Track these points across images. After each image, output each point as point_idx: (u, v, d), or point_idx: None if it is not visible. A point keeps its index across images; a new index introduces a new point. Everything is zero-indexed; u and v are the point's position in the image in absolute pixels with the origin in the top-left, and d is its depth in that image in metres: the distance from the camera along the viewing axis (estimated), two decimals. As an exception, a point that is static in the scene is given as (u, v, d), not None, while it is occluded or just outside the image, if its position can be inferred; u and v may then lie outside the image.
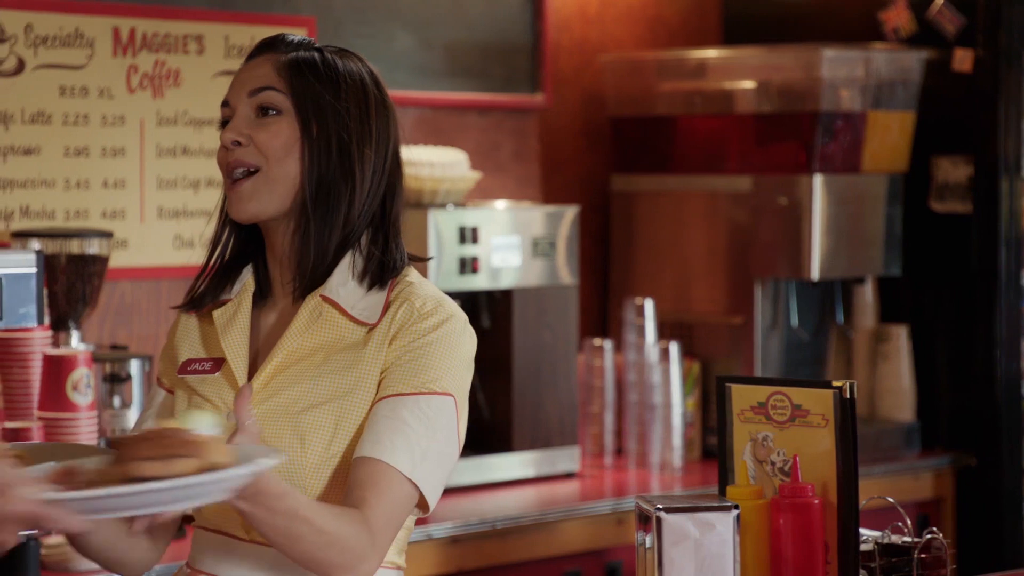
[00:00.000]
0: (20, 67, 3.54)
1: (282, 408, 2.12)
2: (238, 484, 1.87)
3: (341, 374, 2.12)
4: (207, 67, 3.80)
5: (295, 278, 2.16)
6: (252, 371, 2.17)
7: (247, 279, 2.20)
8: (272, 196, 2.12)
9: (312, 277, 2.15)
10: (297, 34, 2.25)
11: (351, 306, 2.14)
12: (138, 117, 3.71)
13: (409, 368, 2.10)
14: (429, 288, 2.19)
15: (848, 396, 2.24)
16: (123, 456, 1.81)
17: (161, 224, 3.75)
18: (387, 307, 2.15)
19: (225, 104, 2.16)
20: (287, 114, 2.13)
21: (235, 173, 2.12)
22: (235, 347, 2.17)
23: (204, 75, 3.79)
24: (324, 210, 2.13)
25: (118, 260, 3.61)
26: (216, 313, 2.20)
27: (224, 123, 2.16)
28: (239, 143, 2.11)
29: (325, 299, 2.15)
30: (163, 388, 2.26)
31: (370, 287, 2.16)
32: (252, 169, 2.11)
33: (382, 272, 2.17)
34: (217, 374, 2.17)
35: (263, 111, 2.13)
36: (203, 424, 1.88)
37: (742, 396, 2.31)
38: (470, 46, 4.37)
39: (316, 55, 2.18)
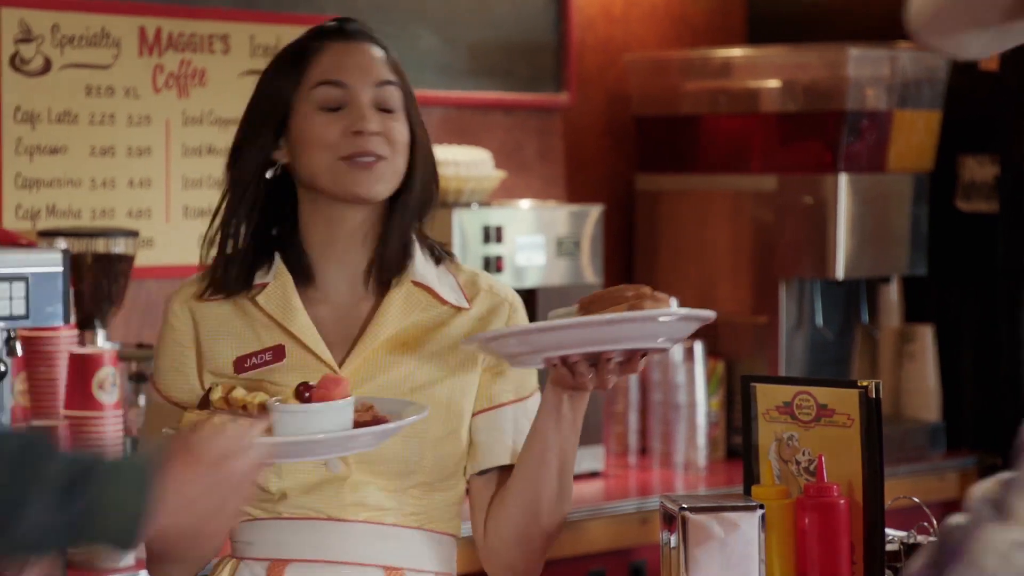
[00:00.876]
0: (47, 67, 3.55)
1: (389, 389, 2.20)
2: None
3: (446, 356, 2.23)
4: (232, 67, 3.81)
5: (377, 263, 2.23)
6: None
7: (279, 264, 2.23)
8: (391, 184, 2.22)
9: (397, 263, 2.24)
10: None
11: (442, 291, 2.26)
12: (164, 117, 3.72)
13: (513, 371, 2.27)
14: (492, 276, 2.35)
15: (874, 396, 2.23)
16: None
17: (187, 223, 3.76)
18: (463, 291, 2.28)
19: (338, 84, 2.21)
20: (400, 112, 2.24)
21: (367, 157, 2.19)
22: (308, 331, 2.21)
23: (230, 75, 3.80)
24: (418, 203, 2.26)
25: (144, 259, 3.62)
26: (262, 299, 2.22)
27: (328, 98, 2.20)
28: (377, 133, 2.20)
29: (417, 284, 2.25)
30: (173, 402, 2.23)
31: (438, 271, 2.28)
32: (381, 157, 2.20)
33: (439, 257, 2.30)
34: (283, 362, 2.19)
35: (380, 102, 2.22)
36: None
37: (767, 396, 2.31)
38: (494, 45, 4.37)
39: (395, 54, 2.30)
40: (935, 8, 1.39)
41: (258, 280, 2.23)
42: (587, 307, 2.17)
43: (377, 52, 2.27)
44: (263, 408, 2.01)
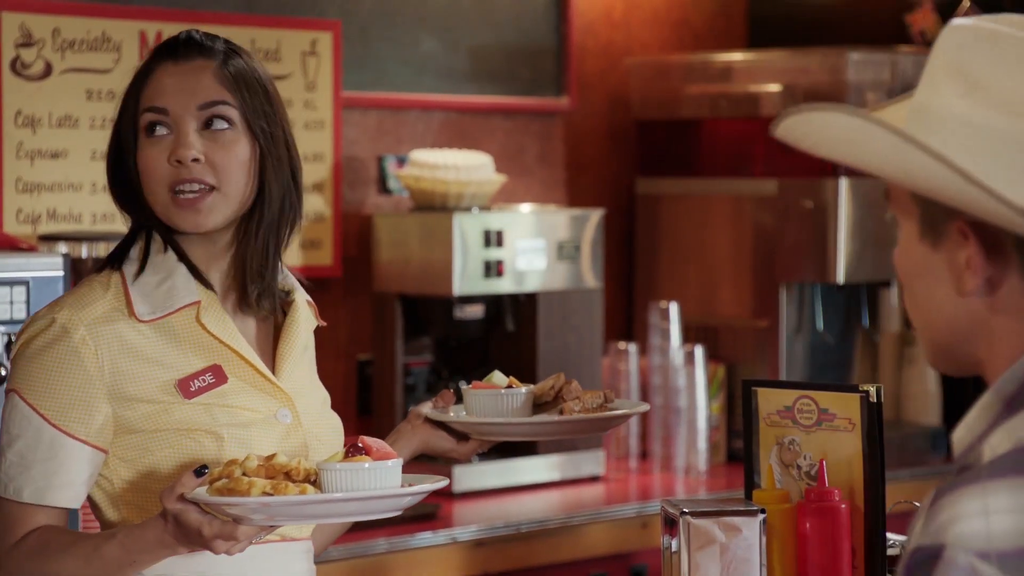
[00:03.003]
0: (47, 71, 3.55)
1: (317, 404, 2.22)
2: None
3: (314, 369, 2.27)
4: (233, 71, 3.80)
5: (254, 281, 2.15)
6: None
7: (193, 284, 2.14)
8: (227, 211, 2.11)
9: (269, 279, 2.16)
10: (213, 34, 2.21)
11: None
12: (164, 121, 3.71)
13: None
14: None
15: (875, 400, 2.23)
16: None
17: (187, 227, 3.76)
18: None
19: (158, 110, 2.10)
20: (238, 129, 2.11)
21: (192, 189, 2.08)
22: (248, 350, 2.15)
23: (230, 79, 3.79)
24: (277, 219, 2.15)
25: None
26: (204, 317, 2.12)
27: (153, 125, 2.10)
28: (197, 160, 2.09)
29: (308, 302, 2.26)
30: (87, 444, 2.09)
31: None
32: (209, 187, 2.09)
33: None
34: (229, 382, 2.12)
35: (209, 123, 2.10)
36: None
37: (768, 400, 2.31)
38: (495, 49, 4.37)
39: (245, 61, 2.16)
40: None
41: (179, 302, 2.12)
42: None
43: (209, 69, 2.12)
44: (303, 473, 2.00)
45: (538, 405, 2.39)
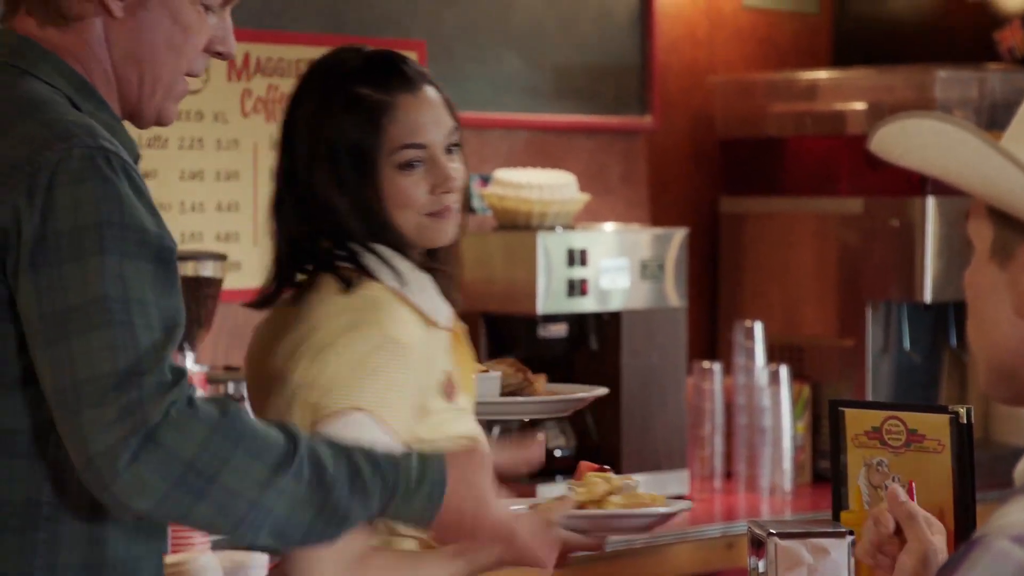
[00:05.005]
0: (137, 92, 3.59)
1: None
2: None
3: None
4: (319, 91, 3.83)
5: (448, 296, 2.29)
6: None
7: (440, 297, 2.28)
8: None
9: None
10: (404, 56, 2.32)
11: None
12: (252, 140, 3.75)
13: None
14: None
15: (965, 422, 2.21)
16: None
17: (273, 246, 3.79)
18: None
19: (418, 147, 2.21)
20: (459, 150, 2.28)
21: (454, 205, 2.25)
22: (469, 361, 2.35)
23: (316, 99, 3.82)
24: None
25: (232, 282, 3.65)
26: (456, 327, 2.28)
27: (412, 162, 2.21)
28: (458, 184, 2.27)
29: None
30: (386, 423, 2.10)
31: None
32: (456, 202, 2.26)
33: None
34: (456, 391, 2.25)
35: (449, 149, 2.26)
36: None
37: (856, 421, 2.29)
38: (579, 68, 4.37)
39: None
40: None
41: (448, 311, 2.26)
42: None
43: (439, 97, 2.27)
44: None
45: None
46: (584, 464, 2.26)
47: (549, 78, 4.30)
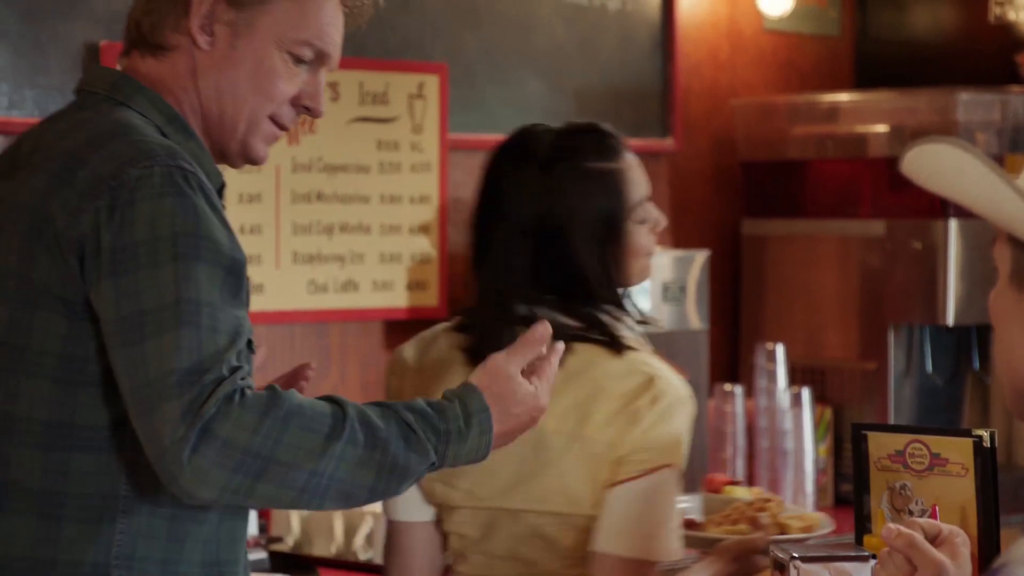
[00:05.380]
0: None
1: None
2: None
3: None
4: (342, 114, 3.85)
5: None
6: None
7: None
8: None
9: None
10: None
11: None
12: (274, 163, 3.76)
13: None
14: None
15: (988, 445, 2.21)
16: None
17: (296, 269, 3.80)
18: None
19: (649, 199, 2.48)
20: None
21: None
22: None
23: (339, 122, 3.84)
24: None
25: (254, 305, 3.62)
26: None
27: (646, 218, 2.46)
28: None
29: None
30: None
31: None
32: None
33: None
34: None
35: None
36: None
37: (879, 444, 2.29)
38: (601, 91, 4.38)
39: None
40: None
41: None
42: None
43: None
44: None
45: None
46: (714, 477, 2.40)
47: (570, 101, 4.31)
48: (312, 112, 2.05)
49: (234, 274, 1.88)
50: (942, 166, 1.50)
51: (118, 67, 2.04)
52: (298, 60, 2.01)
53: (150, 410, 1.81)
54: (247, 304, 1.92)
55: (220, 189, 2.00)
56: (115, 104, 1.97)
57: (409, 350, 2.43)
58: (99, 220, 1.84)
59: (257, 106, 2.00)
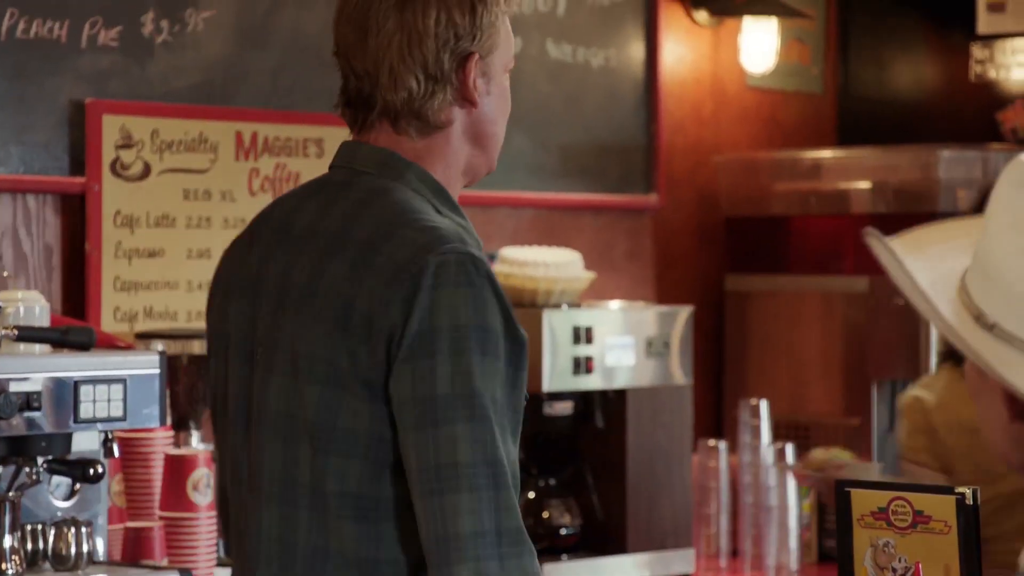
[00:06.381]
0: (146, 172, 3.62)
1: None
2: None
3: None
4: (326, 169, 3.85)
5: None
6: None
7: None
8: None
9: None
10: None
11: None
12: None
13: None
14: None
15: (971, 503, 2.21)
16: None
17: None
18: None
19: None
20: None
21: None
22: None
23: (323, 178, 3.85)
24: None
25: (238, 360, 3.66)
26: None
27: None
28: None
29: None
30: None
31: None
32: None
33: None
34: None
35: None
36: None
37: (862, 501, 2.29)
38: (585, 147, 4.40)
39: None
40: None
41: None
42: None
43: None
44: None
45: None
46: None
47: (555, 156, 4.33)
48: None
49: (512, 364, 1.96)
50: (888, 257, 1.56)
51: (353, 137, 2.13)
52: (509, 72, 2.15)
53: (433, 493, 1.91)
54: (524, 382, 1.99)
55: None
56: (389, 183, 2.05)
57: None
58: (408, 307, 1.93)
59: (504, 129, 2.15)
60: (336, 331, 1.95)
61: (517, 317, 1.99)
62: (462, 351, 1.92)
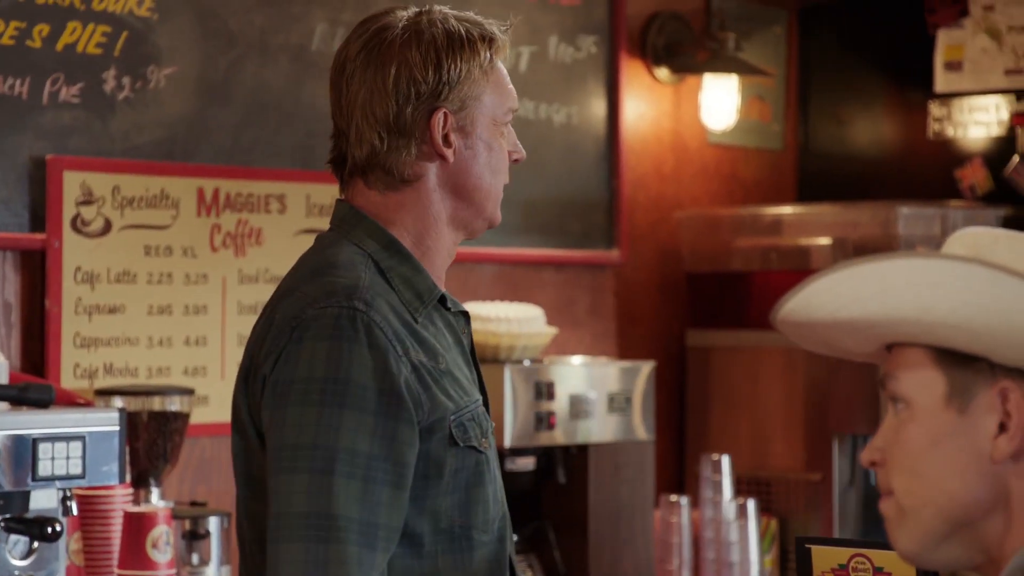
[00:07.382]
0: (107, 228, 3.61)
1: None
2: None
3: None
4: (289, 226, 3.86)
5: None
6: None
7: None
8: None
9: None
10: None
11: None
12: (220, 275, 3.76)
13: None
14: None
15: (930, 560, 2.21)
16: None
17: (241, 380, 3.79)
18: None
19: None
20: None
21: None
22: None
23: (286, 233, 3.85)
24: None
25: (199, 416, 3.65)
26: None
27: None
28: None
29: None
30: None
31: None
32: None
33: None
34: None
35: None
36: None
37: (823, 558, 2.29)
38: (547, 203, 4.41)
39: None
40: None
41: None
42: None
43: None
44: None
45: None
46: None
47: (517, 212, 4.34)
48: (519, 160, 2.20)
49: (381, 414, 1.95)
50: (868, 291, 1.50)
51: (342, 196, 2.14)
52: (505, 125, 2.16)
53: (275, 541, 1.93)
54: (398, 435, 1.96)
55: (441, 301, 2.10)
56: (336, 238, 2.09)
57: None
58: (276, 359, 1.98)
59: (496, 183, 2.16)
60: (241, 383, 2.05)
61: (407, 371, 1.96)
62: (310, 403, 1.94)
